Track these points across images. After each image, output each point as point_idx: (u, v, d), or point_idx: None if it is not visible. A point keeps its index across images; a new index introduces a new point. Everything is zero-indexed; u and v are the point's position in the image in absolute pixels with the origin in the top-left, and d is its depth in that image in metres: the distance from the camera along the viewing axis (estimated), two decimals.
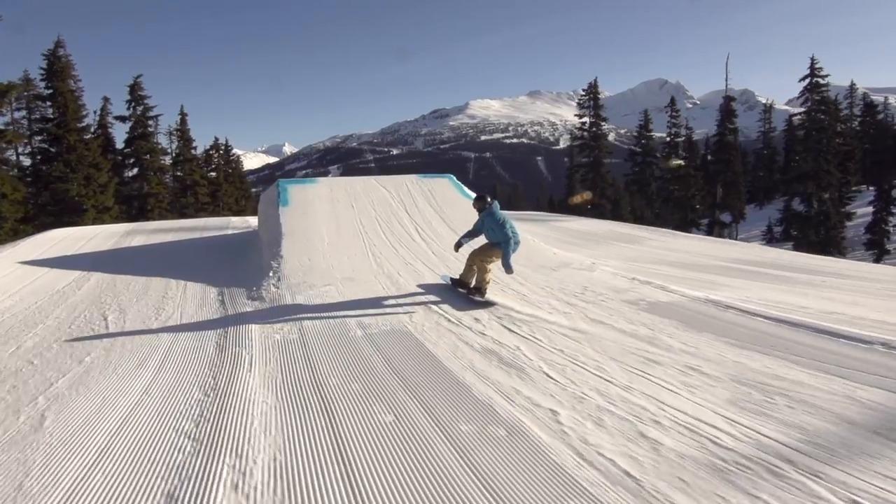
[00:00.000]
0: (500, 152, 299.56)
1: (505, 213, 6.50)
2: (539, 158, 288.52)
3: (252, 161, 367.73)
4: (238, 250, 9.82)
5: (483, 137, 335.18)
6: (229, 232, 12.38)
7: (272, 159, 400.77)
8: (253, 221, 13.52)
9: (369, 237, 8.82)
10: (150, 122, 29.52)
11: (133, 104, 29.08)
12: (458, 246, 6.49)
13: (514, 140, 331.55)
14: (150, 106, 29.54)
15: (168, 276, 7.84)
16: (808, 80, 29.90)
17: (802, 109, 30.41)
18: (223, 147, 38.41)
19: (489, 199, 6.29)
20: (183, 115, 32.73)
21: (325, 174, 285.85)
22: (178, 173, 31.89)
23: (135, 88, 29.18)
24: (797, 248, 26.58)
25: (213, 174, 35.89)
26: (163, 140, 31.03)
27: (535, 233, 10.40)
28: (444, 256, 8.16)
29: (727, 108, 33.81)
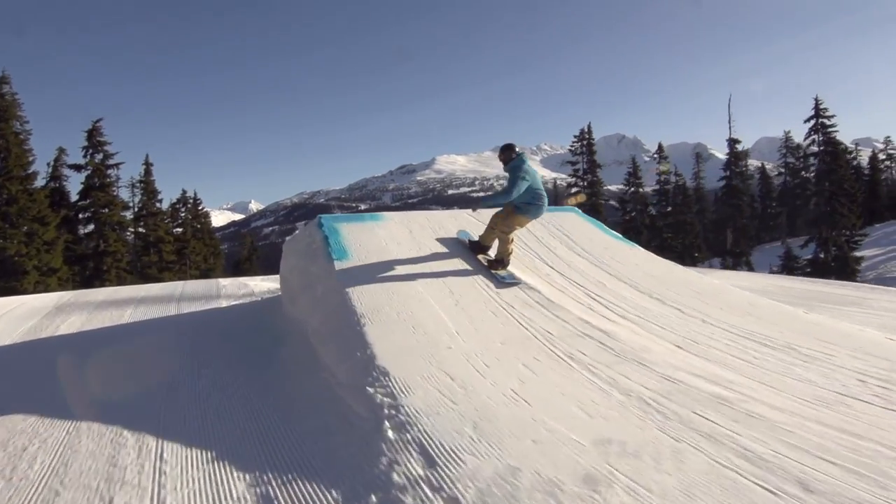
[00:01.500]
0: (468, 206, 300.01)
1: None
2: None
3: (217, 219, 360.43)
4: (254, 342, 5.38)
5: (450, 192, 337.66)
6: (224, 303, 7.86)
7: (238, 216, 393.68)
8: (253, 283, 9.37)
9: (518, 312, 4.73)
10: (111, 172, 26.08)
11: (90, 151, 25.64)
12: (480, 208, 6.03)
13: (481, 193, 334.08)
14: (111, 153, 26.10)
15: (118, 423, 3.51)
16: (813, 122, 28.90)
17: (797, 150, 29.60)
18: (192, 200, 35.01)
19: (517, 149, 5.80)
20: (148, 164, 29.27)
21: (292, 230, 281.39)
22: (141, 229, 28.26)
23: (93, 134, 25.71)
24: None
25: (180, 230, 32.33)
26: (124, 193, 27.57)
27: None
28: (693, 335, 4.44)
29: (732, 150, 32.34)
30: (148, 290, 9.58)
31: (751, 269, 32.00)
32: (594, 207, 33.42)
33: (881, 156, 44.43)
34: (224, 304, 7.95)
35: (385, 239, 6.01)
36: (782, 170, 39.81)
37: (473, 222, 7.14)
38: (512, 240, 5.79)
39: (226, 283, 9.75)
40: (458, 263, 5.70)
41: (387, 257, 5.54)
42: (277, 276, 9.61)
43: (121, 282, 23.88)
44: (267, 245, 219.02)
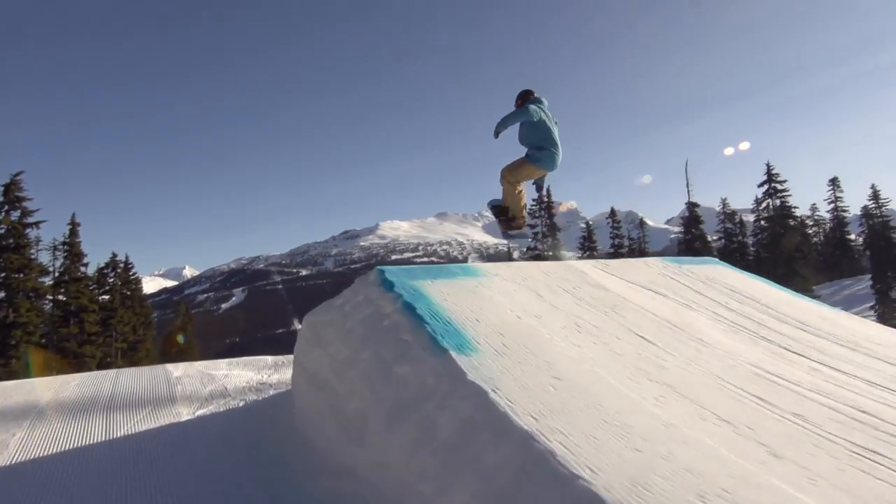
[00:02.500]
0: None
1: None
2: None
3: (148, 285, 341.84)
4: None
5: (394, 257, 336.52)
6: (183, 413, 4.96)
7: (171, 283, 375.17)
8: (221, 374, 6.31)
9: (746, 392, 3.09)
10: (29, 232, 23.03)
11: (6, 208, 22.68)
12: (497, 133, 5.05)
13: (425, 259, 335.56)
14: (31, 210, 23.25)
15: None
16: (766, 186, 29.73)
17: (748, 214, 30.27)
18: (122, 265, 31.86)
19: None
20: (74, 224, 26.42)
21: (229, 297, 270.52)
22: (61, 297, 25.01)
23: (10, 189, 22.78)
24: None
25: (107, 297, 29.06)
26: (44, 257, 24.42)
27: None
28: None
29: (691, 213, 32.70)
30: (59, 387, 5.99)
31: None
32: None
33: (808, 221, 46.78)
34: (184, 413, 5.00)
35: (510, 307, 3.75)
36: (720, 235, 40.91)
37: (601, 274, 5.08)
38: (522, 191, 5.47)
39: (179, 372, 6.55)
40: (631, 340, 3.62)
41: (536, 341, 3.14)
42: (247, 360, 7.28)
43: (33, 351, 20.58)
44: (202, 313, 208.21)
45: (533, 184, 5.72)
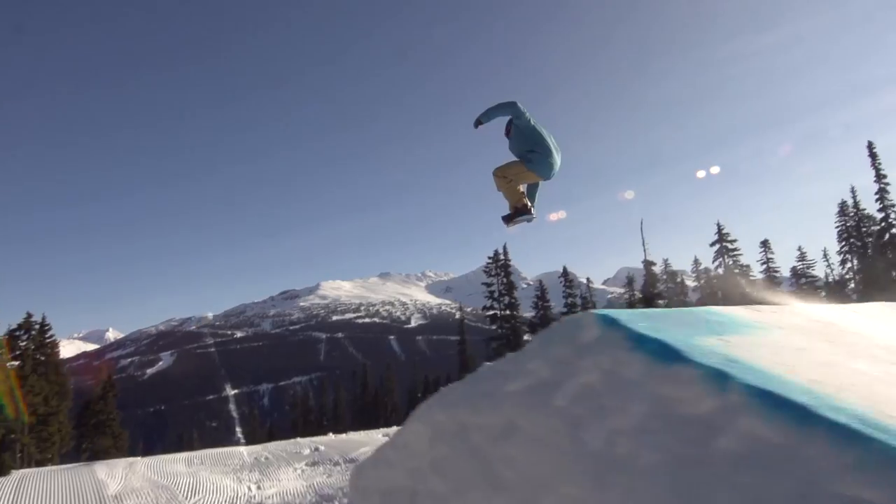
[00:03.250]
0: (353, 332, 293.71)
1: None
2: (392, 338, 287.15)
3: (66, 349, 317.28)
4: None
5: (335, 318, 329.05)
6: None
7: (91, 346, 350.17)
8: (175, 474, 4.78)
9: None
10: None
11: None
12: (478, 122, 4.96)
13: (367, 320, 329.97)
14: None
15: None
16: (718, 245, 30.16)
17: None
18: (37, 326, 29.54)
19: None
20: None
21: (156, 362, 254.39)
22: None
23: None
24: None
25: (18, 362, 26.69)
26: None
27: None
28: None
29: (648, 271, 32.59)
30: None
31: None
32: (514, 331, 32.74)
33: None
34: None
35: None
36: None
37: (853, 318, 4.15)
38: (514, 182, 5.13)
39: (116, 484, 4.93)
40: None
41: None
42: (216, 455, 6.52)
43: None
44: (125, 379, 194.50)
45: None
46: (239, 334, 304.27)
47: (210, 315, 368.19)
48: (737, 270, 29.61)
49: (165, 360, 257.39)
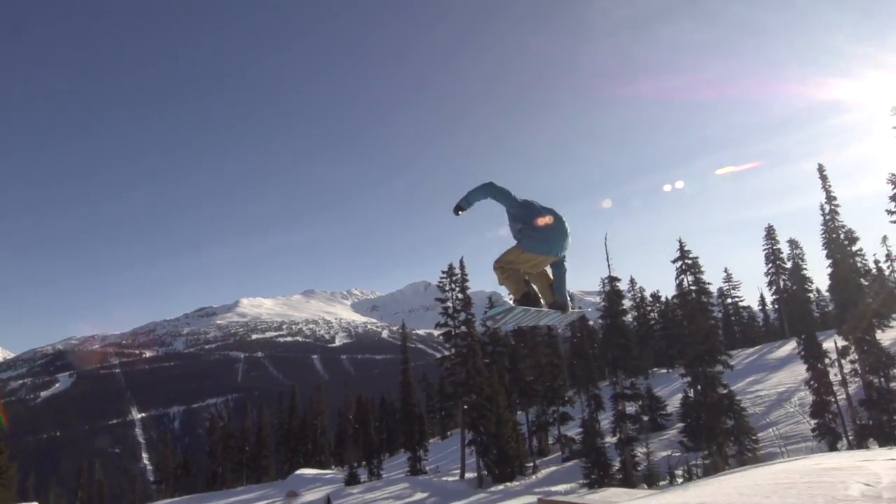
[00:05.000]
0: (274, 351, 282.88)
1: None
2: (315, 357, 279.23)
3: None
4: None
5: (254, 336, 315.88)
6: None
7: None
8: None
9: None
10: None
11: None
12: (458, 209, 4.63)
13: (289, 338, 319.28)
14: None
15: None
16: (680, 262, 30.13)
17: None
18: None
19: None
20: None
21: (51, 384, 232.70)
22: None
23: None
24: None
25: None
26: None
27: None
28: None
29: (612, 289, 31.91)
30: None
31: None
32: (471, 349, 31.94)
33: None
34: None
35: None
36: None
37: None
38: (524, 274, 4.72)
39: None
40: None
41: None
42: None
43: None
44: (15, 403, 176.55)
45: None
46: (148, 354, 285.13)
47: (116, 333, 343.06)
48: (695, 287, 29.62)
49: (63, 381, 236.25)
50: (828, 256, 27.06)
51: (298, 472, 43.32)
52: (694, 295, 29.27)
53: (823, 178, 27.78)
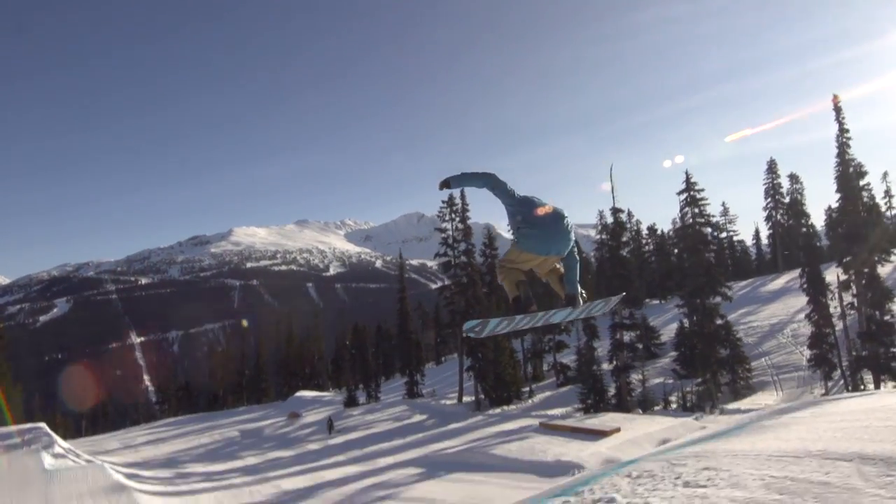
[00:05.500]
0: (268, 280, 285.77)
1: None
2: (310, 285, 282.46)
3: None
4: None
5: (249, 265, 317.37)
6: None
7: None
8: None
9: None
10: None
11: None
12: (445, 184, 4.27)
13: (283, 267, 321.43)
14: None
15: None
16: (685, 195, 29.74)
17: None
18: None
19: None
20: None
21: (49, 309, 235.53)
22: None
23: None
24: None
25: None
26: None
27: None
28: None
29: (616, 220, 31.18)
30: None
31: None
32: (470, 279, 31.90)
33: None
34: None
35: None
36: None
37: None
38: (511, 269, 4.35)
39: None
40: None
41: None
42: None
43: None
44: (14, 327, 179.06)
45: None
46: (144, 281, 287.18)
47: (111, 260, 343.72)
48: (701, 219, 29.27)
49: (61, 306, 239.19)
50: (837, 190, 26.58)
51: (298, 394, 44.33)
52: (697, 227, 29.03)
53: (838, 109, 26.84)
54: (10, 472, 16.77)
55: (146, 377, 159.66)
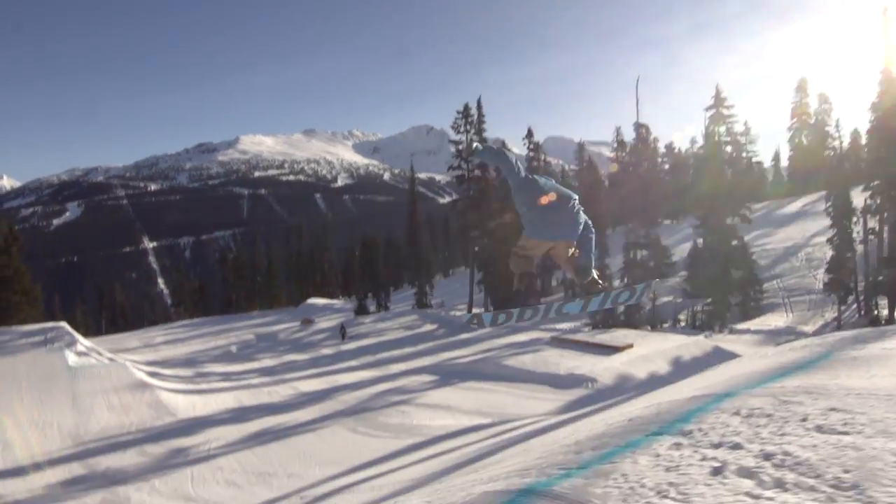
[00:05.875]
0: (277, 189, 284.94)
1: None
2: (318, 196, 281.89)
3: None
4: None
5: (257, 174, 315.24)
6: None
7: None
8: None
9: None
10: None
11: None
12: (474, 151, 4.16)
13: (291, 177, 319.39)
14: None
15: None
16: (714, 110, 28.46)
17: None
18: None
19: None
20: None
21: (62, 213, 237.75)
22: None
23: None
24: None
25: None
26: None
27: None
28: None
29: (640, 135, 30.01)
30: None
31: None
32: (482, 193, 31.41)
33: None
34: None
35: None
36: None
37: None
38: (521, 255, 3.93)
39: None
40: None
41: None
42: None
43: None
44: (28, 229, 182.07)
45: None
46: (153, 187, 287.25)
47: (119, 165, 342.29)
48: (728, 138, 28.02)
49: (73, 210, 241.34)
50: (872, 109, 25.24)
51: (310, 300, 45.19)
52: (723, 146, 27.99)
53: (886, 20, 24.99)
54: (35, 368, 17.31)
55: (160, 280, 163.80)
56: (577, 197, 3.89)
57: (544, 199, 3.76)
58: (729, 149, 28.78)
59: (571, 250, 4.02)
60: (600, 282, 4.15)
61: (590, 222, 3.98)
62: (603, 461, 3.17)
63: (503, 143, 38.73)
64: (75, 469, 12.00)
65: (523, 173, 3.93)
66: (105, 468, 11.99)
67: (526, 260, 4.02)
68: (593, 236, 4.02)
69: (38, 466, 12.08)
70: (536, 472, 3.37)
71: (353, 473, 10.36)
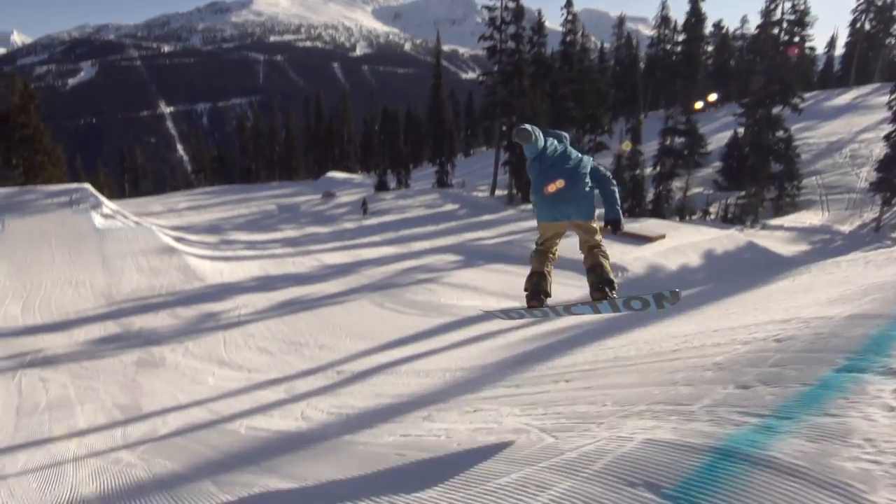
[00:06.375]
0: (293, 55, 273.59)
1: None
2: (335, 65, 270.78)
3: None
4: None
5: (273, 38, 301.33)
6: None
7: None
8: None
9: None
10: None
11: None
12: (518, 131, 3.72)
13: (308, 43, 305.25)
14: None
15: None
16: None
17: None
18: None
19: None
20: None
21: (76, 72, 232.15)
22: None
23: None
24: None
25: None
26: None
27: None
28: None
29: (694, 8, 27.80)
30: None
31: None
32: (517, 67, 29.44)
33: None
34: None
35: None
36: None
37: None
38: (541, 261, 3.99)
39: None
40: None
41: None
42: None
43: None
44: (44, 88, 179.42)
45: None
46: (166, 48, 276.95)
47: (130, 24, 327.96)
48: (793, 16, 25.29)
49: (87, 70, 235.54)
50: None
51: (329, 174, 44.76)
52: (786, 25, 25.43)
53: None
54: (64, 228, 17.48)
55: (179, 146, 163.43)
56: (588, 165, 3.70)
57: (551, 188, 3.61)
58: (785, 28, 26.28)
59: (593, 224, 3.81)
60: (622, 223, 3.83)
61: (608, 174, 3.81)
62: (808, 407, 2.41)
63: (543, 13, 35.19)
64: (110, 328, 12.39)
65: (539, 146, 3.76)
66: (139, 328, 12.36)
67: (543, 260, 3.97)
68: (615, 188, 3.78)
69: (74, 323, 12.48)
70: (709, 420, 2.59)
71: (387, 350, 10.52)
